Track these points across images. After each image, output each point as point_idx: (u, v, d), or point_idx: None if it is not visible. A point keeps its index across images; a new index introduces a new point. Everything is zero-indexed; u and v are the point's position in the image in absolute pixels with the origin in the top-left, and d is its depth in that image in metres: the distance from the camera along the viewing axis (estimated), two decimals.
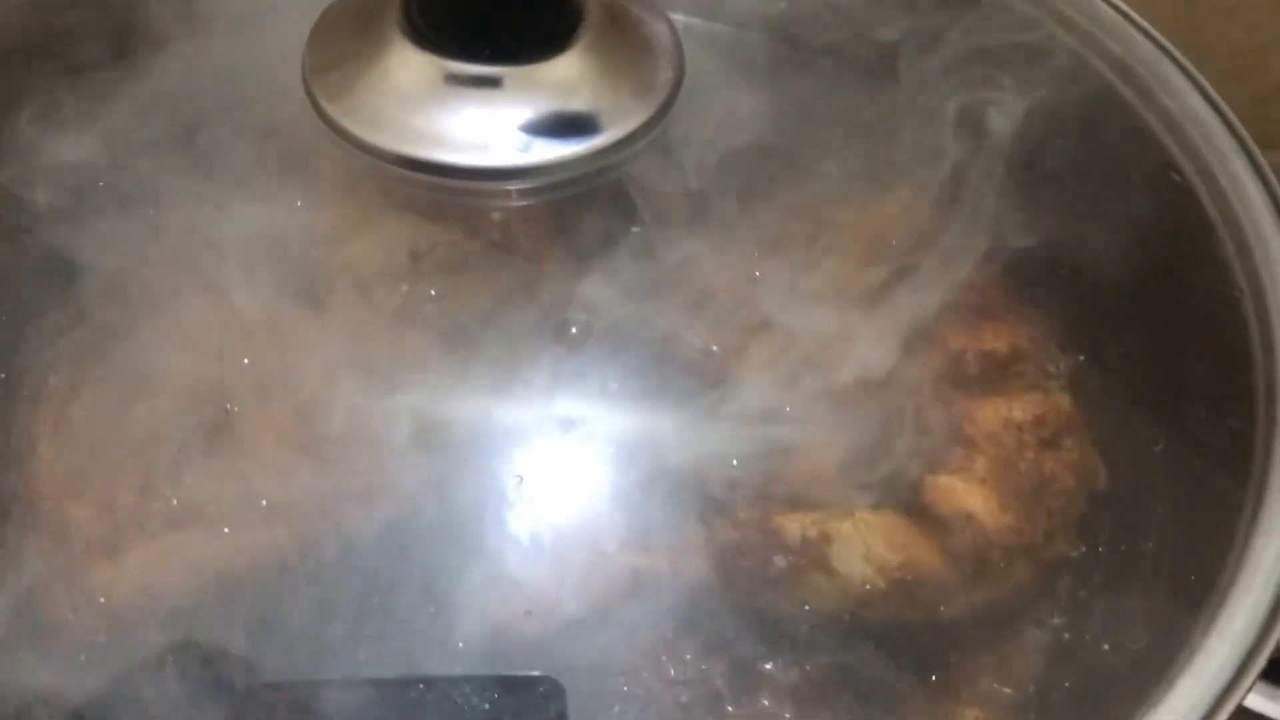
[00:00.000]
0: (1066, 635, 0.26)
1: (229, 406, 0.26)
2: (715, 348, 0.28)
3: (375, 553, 0.25)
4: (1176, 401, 0.28)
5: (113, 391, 0.27)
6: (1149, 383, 0.29)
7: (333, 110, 0.28)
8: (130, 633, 0.25)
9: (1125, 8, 0.34)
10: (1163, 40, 0.33)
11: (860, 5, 0.34)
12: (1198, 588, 0.25)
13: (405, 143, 0.27)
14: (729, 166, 0.29)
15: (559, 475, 0.27)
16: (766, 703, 0.25)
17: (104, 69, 0.31)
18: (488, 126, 0.27)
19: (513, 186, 0.28)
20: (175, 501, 0.26)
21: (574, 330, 0.26)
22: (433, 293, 0.26)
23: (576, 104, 0.28)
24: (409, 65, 0.28)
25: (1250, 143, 0.31)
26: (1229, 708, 0.24)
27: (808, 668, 0.25)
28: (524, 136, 0.27)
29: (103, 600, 0.25)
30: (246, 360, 0.27)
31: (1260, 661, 0.24)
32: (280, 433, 0.26)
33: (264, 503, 0.26)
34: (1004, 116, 0.31)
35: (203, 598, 0.25)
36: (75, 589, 0.25)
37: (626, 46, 0.29)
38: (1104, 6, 0.34)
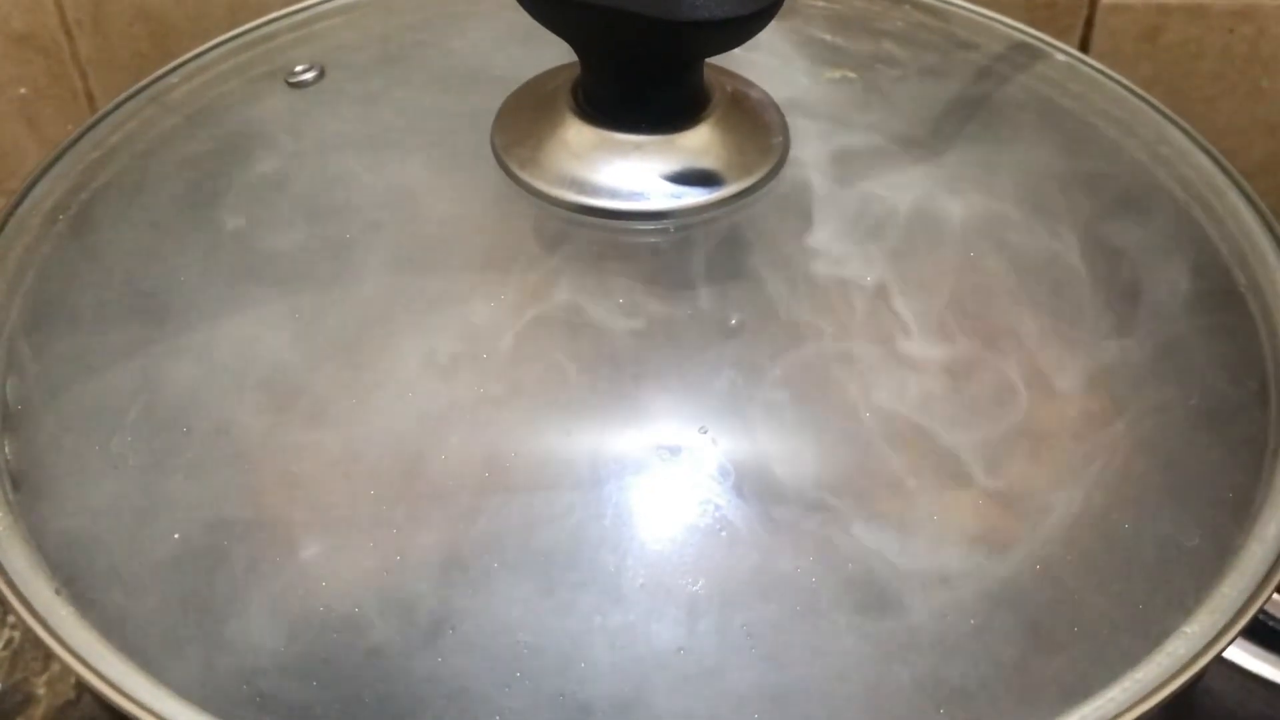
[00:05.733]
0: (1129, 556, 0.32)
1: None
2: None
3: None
4: (1204, 373, 0.35)
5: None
6: (1180, 362, 0.36)
7: (524, 175, 0.36)
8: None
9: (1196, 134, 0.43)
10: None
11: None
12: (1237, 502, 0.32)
13: (582, 195, 0.35)
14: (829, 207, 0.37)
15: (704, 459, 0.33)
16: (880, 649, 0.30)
17: None
18: (642, 181, 0.35)
19: (664, 224, 0.35)
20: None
21: (733, 322, 0.33)
22: (620, 301, 0.33)
23: (708, 163, 0.36)
24: (581, 136, 0.36)
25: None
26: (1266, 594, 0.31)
27: (909, 620, 0.31)
28: (671, 187, 0.35)
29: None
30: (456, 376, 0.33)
31: None
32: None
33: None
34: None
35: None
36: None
37: (745, 120, 0.37)
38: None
